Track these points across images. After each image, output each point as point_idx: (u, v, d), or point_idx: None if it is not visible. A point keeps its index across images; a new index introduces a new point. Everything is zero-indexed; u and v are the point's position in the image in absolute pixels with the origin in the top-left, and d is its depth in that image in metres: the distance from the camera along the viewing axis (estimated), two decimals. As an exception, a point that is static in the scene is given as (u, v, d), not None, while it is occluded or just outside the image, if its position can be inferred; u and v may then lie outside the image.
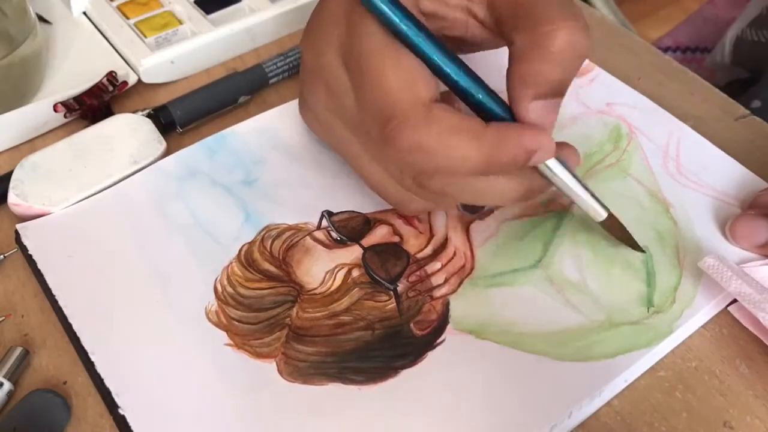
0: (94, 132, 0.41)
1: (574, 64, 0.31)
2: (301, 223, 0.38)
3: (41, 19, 0.48)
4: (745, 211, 0.38)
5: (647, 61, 0.48)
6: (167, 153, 0.41)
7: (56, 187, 0.39)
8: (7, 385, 0.32)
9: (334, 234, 0.38)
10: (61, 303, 0.34)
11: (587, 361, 0.33)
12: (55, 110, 0.43)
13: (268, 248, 0.37)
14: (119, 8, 0.49)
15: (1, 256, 0.37)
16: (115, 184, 0.40)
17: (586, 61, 0.47)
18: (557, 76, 0.31)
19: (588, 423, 0.32)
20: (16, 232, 0.37)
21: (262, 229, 0.38)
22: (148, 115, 0.43)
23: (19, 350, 0.33)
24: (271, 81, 0.46)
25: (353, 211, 0.39)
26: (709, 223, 0.38)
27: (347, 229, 0.38)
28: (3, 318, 0.35)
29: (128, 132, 0.41)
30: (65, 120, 0.44)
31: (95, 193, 0.39)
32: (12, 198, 0.38)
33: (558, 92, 0.31)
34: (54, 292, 0.35)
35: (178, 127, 0.43)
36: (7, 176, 0.39)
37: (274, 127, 0.43)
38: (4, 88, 0.43)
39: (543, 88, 0.31)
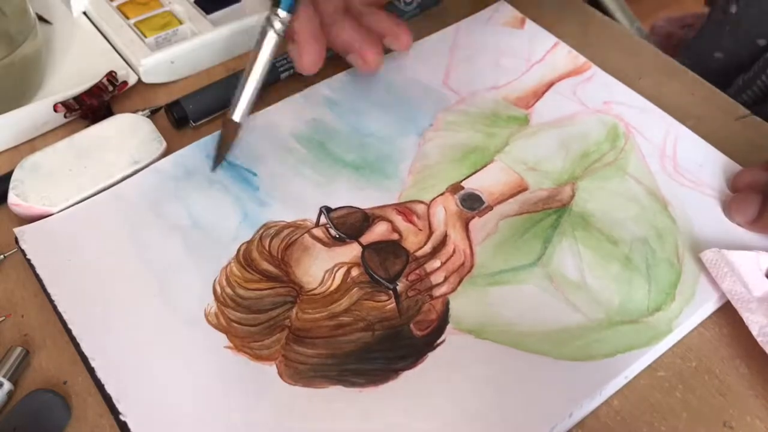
0: (94, 132, 0.41)
1: None
2: (300, 220, 0.38)
3: (41, 19, 0.48)
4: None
5: (647, 61, 0.48)
6: (167, 153, 0.41)
7: (56, 187, 0.39)
8: (7, 385, 0.32)
9: (332, 231, 0.38)
10: (60, 309, 0.34)
11: (587, 361, 0.33)
12: (55, 110, 0.43)
13: (267, 247, 0.37)
14: (119, 8, 0.49)
15: (1, 256, 0.37)
16: (115, 184, 0.40)
17: (583, 60, 0.47)
18: None
19: (588, 423, 0.32)
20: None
21: (261, 227, 0.38)
22: (158, 111, 0.42)
23: (19, 350, 0.33)
24: (282, 76, 0.46)
25: (352, 207, 0.39)
26: (707, 221, 0.38)
27: (346, 226, 0.38)
28: (3, 318, 0.35)
29: (128, 132, 0.41)
30: (65, 120, 0.44)
31: (95, 193, 0.39)
32: (12, 198, 0.38)
33: None
34: (53, 297, 0.35)
35: (191, 122, 0.43)
36: (7, 176, 0.39)
37: (271, 122, 0.43)
38: (4, 88, 0.43)
39: None
